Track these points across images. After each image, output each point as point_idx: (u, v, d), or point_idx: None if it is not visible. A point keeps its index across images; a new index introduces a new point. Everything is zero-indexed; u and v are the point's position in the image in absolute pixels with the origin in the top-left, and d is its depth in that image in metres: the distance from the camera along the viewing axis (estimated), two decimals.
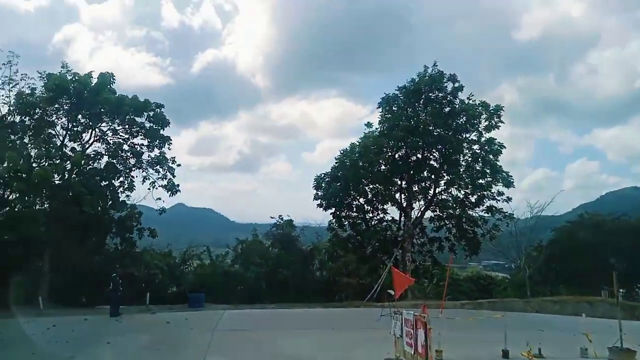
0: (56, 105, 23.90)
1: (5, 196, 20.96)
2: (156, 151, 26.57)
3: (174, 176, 26.61)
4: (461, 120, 27.14)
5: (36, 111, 23.54)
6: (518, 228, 29.79)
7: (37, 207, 23.84)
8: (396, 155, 28.29)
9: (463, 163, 27.98)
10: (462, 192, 28.38)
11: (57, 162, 22.16)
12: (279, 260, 29.12)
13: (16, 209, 22.84)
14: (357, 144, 29.21)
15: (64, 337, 15.24)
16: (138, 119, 25.97)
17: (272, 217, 30.67)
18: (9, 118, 23.32)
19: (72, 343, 14.45)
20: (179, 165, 27.24)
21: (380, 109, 28.20)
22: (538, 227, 31.90)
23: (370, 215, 29.97)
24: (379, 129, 28.39)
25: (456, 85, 27.13)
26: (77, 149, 24.48)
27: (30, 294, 22.67)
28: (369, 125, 29.24)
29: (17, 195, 21.08)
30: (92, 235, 26.00)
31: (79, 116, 24.71)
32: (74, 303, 24.18)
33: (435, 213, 29.25)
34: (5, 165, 20.59)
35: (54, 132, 24.22)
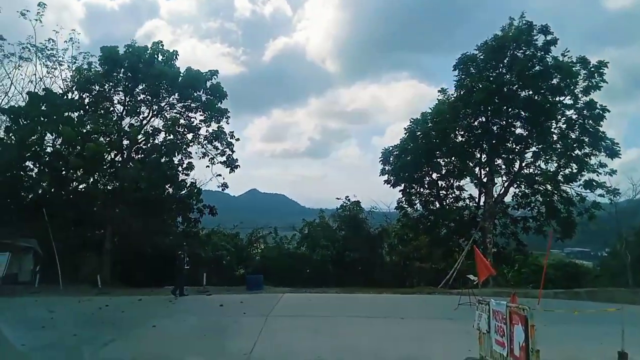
0: (113, 82, 23.52)
1: (64, 173, 20.87)
2: (214, 125, 25.68)
3: (232, 151, 25.53)
4: (554, 80, 23.25)
5: (94, 87, 23.33)
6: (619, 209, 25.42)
7: (98, 185, 23.77)
8: (475, 123, 24.94)
9: (556, 131, 24.11)
10: (554, 165, 24.65)
11: (114, 137, 21.70)
12: (346, 243, 27.85)
13: (76, 186, 22.89)
14: (429, 112, 26.14)
15: (112, 318, 14.67)
16: (195, 94, 25.12)
17: (337, 199, 29.02)
18: (68, 95, 23.35)
19: (117, 325, 13.70)
20: (237, 139, 26.30)
21: (456, 72, 24.87)
22: (631, 211, 27.23)
23: (445, 192, 27.00)
24: (454, 95, 25.20)
25: (548, 38, 23.10)
26: (135, 125, 24.02)
27: (91, 273, 22.74)
28: (443, 91, 26.05)
29: (73, 171, 20.85)
30: (153, 214, 25.80)
31: (136, 90, 24.20)
32: (137, 283, 24.09)
33: (519, 189, 25.76)
34: (61, 140, 20.48)
35: (111, 108, 23.91)
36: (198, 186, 26.26)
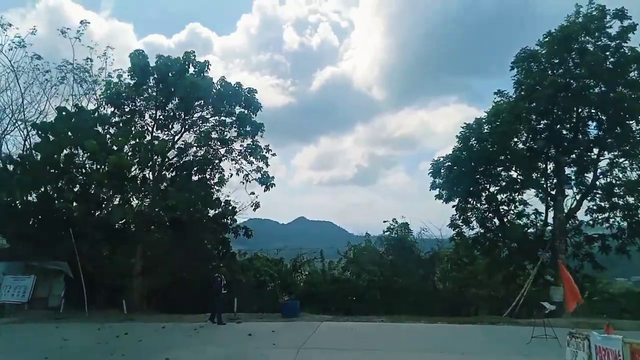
0: (143, 94, 22.69)
1: (90, 190, 19.89)
2: (248, 140, 24.24)
3: (267, 164, 23.92)
4: (633, 73, 20.03)
5: (124, 101, 22.57)
6: None
7: (128, 204, 22.69)
8: (540, 125, 21.65)
9: (638, 133, 20.69)
10: (636, 173, 21.22)
11: (142, 151, 20.59)
12: (394, 268, 25.79)
13: (104, 205, 21.90)
14: (484, 118, 23.18)
15: (125, 347, 13.22)
16: (228, 107, 23.88)
17: (384, 221, 26.78)
18: (100, 111, 22.71)
19: (127, 356, 12.16)
20: (274, 154, 24.65)
21: (515, 71, 21.93)
22: None
23: (506, 207, 23.73)
24: (514, 96, 22.23)
25: (625, 24, 19.75)
26: (167, 139, 22.92)
27: (118, 296, 21.45)
28: (500, 93, 22.99)
29: (97, 186, 19.80)
30: (186, 234, 24.46)
31: (167, 103, 23.25)
32: (171, 308, 22.66)
33: (594, 203, 22.26)
34: (86, 155, 19.64)
35: (140, 122, 23.03)
36: (233, 205, 24.69)
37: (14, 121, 23.09)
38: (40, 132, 20.81)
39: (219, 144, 23.76)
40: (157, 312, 22.32)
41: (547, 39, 21.08)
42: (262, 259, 27.82)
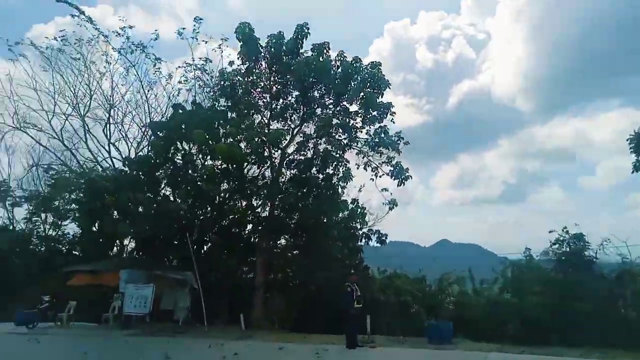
0: (256, 82, 20.55)
1: (202, 184, 18.00)
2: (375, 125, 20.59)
3: (399, 153, 19.88)
4: None
5: (237, 89, 20.67)
6: None
7: (246, 208, 20.54)
8: None
9: None
10: None
11: (255, 141, 18.16)
12: (568, 289, 19.89)
13: (221, 206, 19.96)
14: None
15: None
16: (351, 87, 20.56)
17: (551, 231, 20.78)
18: (215, 105, 21.18)
19: None
20: (406, 143, 20.55)
21: None
22: None
23: None
24: None
25: None
26: (283, 129, 20.34)
27: (238, 311, 19.08)
28: None
29: (207, 181, 17.71)
30: (312, 241, 21.54)
31: (282, 89, 20.78)
32: (295, 326, 19.84)
33: None
34: (195, 148, 17.90)
35: (253, 112, 20.79)
36: (362, 205, 21.15)
37: (140, 126, 23.19)
38: (155, 131, 19.83)
39: (341, 131, 20.41)
40: (280, 329, 19.58)
41: None
42: (403, 277, 24.36)
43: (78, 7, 22.33)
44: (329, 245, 21.70)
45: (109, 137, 23.55)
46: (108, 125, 23.57)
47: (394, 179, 20.43)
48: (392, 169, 20.28)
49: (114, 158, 22.65)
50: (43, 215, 27.55)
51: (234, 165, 18.61)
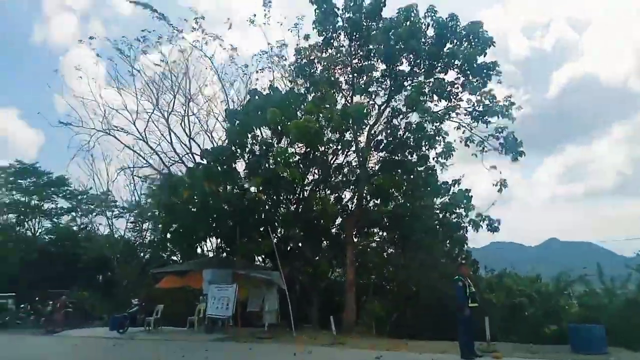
0: (335, 54, 18.28)
1: (279, 172, 16.02)
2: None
3: (512, 120, 16.51)
4: None
5: (315, 69, 18.60)
6: None
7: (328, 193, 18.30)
8: None
9: None
10: None
11: (335, 117, 15.80)
12: None
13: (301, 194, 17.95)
14: None
15: None
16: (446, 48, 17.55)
17: None
18: (294, 88, 19.30)
19: None
20: (520, 107, 17.05)
21: None
22: None
23: None
24: None
25: None
26: (366, 104, 17.81)
27: (328, 314, 16.75)
28: None
29: (283, 164, 15.64)
30: (405, 232, 18.71)
31: (364, 60, 18.31)
32: (394, 331, 17.24)
33: None
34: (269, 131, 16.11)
35: (333, 89, 18.46)
36: (465, 188, 17.91)
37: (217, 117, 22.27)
38: (231, 118, 18.39)
39: (436, 99, 17.38)
40: (377, 334, 17.00)
41: None
42: (514, 276, 21.09)
43: (150, 6, 21.64)
44: (428, 237, 18.75)
45: (189, 132, 22.72)
46: (187, 119, 22.82)
47: (506, 154, 16.94)
48: (502, 142, 16.79)
49: (195, 154, 21.64)
50: (144, 225, 28.32)
51: (312, 149, 16.46)
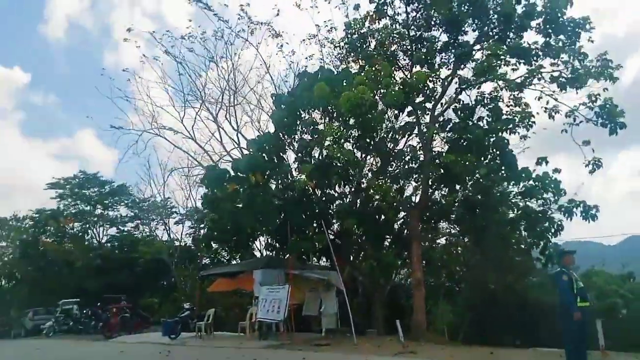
0: (386, 21, 16.19)
1: (327, 158, 14.12)
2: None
3: (613, 81, 13.53)
4: None
5: (369, 43, 16.58)
6: None
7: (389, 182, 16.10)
8: None
9: None
10: None
11: (391, 91, 13.58)
12: None
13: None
14: None
15: None
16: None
17: None
18: (345, 65, 17.44)
19: None
20: (619, 66, 14.04)
21: None
22: None
23: None
24: None
25: None
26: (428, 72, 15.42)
27: (394, 318, 14.50)
28: None
29: (335, 146, 13.63)
30: (478, 224, 16.06)
31: (424, 30, 16.04)
32: (474, 336, 14.84)
33: None
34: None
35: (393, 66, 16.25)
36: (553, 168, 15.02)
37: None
38: (278, 103, 16.85)
39: (514, 63, 14.72)
40: (450, 341, 14.58)
41: None
42: (603, 274, 20.07)
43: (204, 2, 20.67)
44: (506, 229, 16.01)
45: (237, 126, 21.52)
46: (234, 111, 21.70)
47: (602, 126, 13.93)
48: (598, 110, 13.83)
49: (242, 148, 20.34)
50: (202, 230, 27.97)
51: (368, 130, 14.38)
